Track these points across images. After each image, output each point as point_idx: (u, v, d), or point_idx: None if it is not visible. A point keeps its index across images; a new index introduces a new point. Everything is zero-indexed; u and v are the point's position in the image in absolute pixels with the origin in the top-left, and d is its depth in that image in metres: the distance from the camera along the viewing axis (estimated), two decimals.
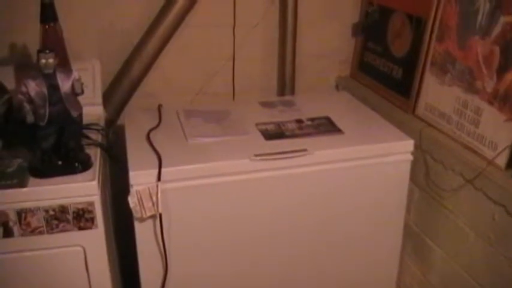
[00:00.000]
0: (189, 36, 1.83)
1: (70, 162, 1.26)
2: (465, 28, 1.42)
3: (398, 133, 1.53)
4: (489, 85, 1.34)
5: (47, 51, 1.18)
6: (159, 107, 1.66)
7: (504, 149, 1.29)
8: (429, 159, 1.54)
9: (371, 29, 1.90)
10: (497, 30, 1.31)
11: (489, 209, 1.33)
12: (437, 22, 1.53)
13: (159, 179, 1.29)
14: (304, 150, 1.40)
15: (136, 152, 1.39)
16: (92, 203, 1.24)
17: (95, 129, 1.48)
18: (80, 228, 1.25)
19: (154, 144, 1.41)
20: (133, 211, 1.30)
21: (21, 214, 1.20)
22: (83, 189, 1.23)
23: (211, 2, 1.81)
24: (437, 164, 1.51)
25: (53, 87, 1.19)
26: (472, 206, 1.40)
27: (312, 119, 1.60)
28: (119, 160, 1.46)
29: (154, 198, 1.29)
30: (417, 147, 1.52)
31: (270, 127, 1.54)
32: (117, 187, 1.49)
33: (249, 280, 1.51)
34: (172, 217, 1.34)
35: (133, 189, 1.29)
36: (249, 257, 1.47)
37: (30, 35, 1.43)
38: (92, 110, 1.52)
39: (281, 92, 1.99)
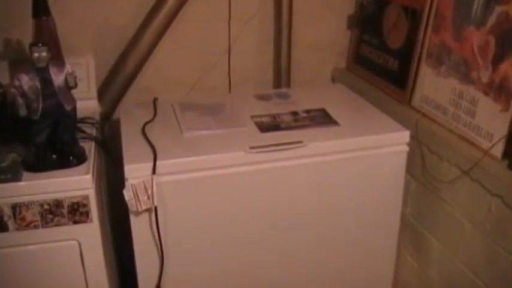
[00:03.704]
0: (184, 30, 1.82)
1: (64, 156, 1.26)
2: (461, 19, 1.42)
3: (394, 124, 1.52)
4: (485, 75, 1.34)
5: (40, 44, 1.17)
6: (155, 100, 1.66)
7: (500, 139, 1.29)
8: (425, 151, 1.54)
9: (366, 21, 1.90)
10: (492, 20, 1.30)
11: (485, 200, 1.33)
12: (432, 13, 1.53)
13: (154, 172, 1.29)
14: (300, 142, 1.40)
15: (131, 146, 1.38)
16: (86, 197, 1.24)
17: (90, 123, 1.48)
18: (75, 222, 1.25)
19: (149, 137, 1.41)
20: (128, 205, 1.30)
21: (16, 209, 1.20)
22: (78, 183, 1.23)
23: None
24: (434, 155, 1.51)
25: (46, 81, 1.18)
26: (468, 197, 1.40)
27: (308, 111, 1.59)
28: (114, 154, 1.45)
29: (149, 192, 1.29)
30: (413, 138, 1.51)
31: (266, 119, 1.54)
32: (113, 181, 1.49)
33: (246, 274, 1.50)
34: (167, 210, 1.34)
35: (128, 183, 1.28)
36: (245, 250, 1.47)
37: (25, 31, 1.42)
38: (87, 104, 1.52)
39: (277, 84, 1.98)
